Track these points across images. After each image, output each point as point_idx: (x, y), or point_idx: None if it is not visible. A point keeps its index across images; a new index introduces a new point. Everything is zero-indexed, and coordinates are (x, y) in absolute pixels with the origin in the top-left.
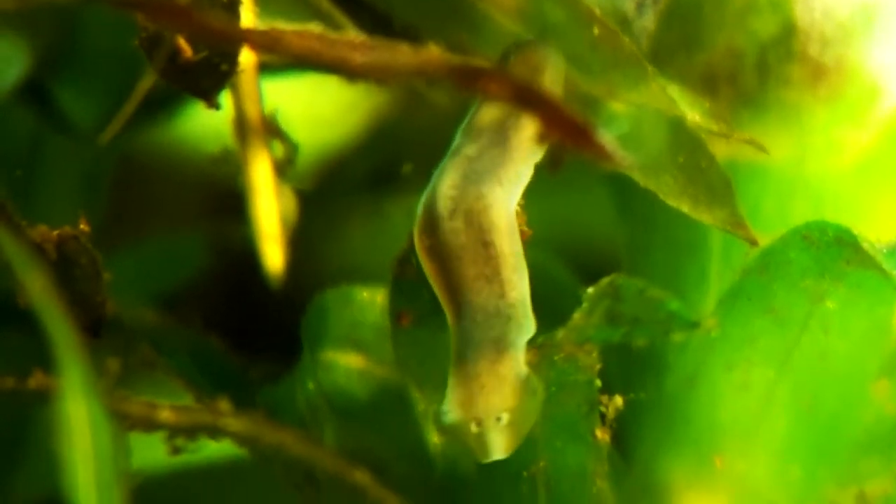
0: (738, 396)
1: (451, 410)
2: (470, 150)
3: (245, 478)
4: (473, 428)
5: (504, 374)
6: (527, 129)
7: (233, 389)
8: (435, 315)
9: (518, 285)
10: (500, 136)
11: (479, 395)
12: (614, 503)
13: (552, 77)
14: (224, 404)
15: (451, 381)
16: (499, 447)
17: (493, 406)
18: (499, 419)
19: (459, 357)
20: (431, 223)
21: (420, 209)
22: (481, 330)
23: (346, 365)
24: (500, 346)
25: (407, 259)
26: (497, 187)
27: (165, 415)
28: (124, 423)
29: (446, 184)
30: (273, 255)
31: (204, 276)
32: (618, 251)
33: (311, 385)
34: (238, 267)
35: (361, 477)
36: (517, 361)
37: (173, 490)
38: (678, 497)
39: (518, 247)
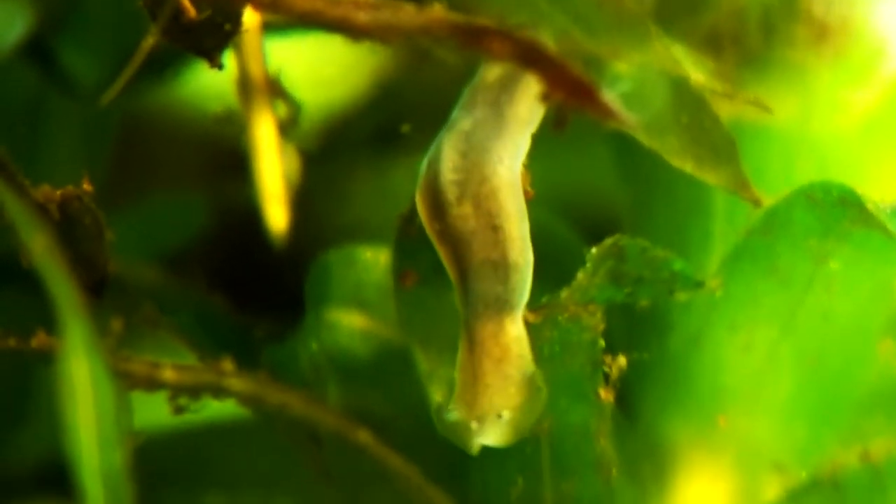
0: (741, 356)
1: (456, 409)
2: (466, 123)
3: (248, 437)
4: (473, 425)
5: (509, 374)
6: (524, 98)
7: (236, 349)
8: (438, 275)
9: (523, 269)
10: (497, 110)
11: (484, 395)
12: (617, 462)
13: (532, 84)
14: (227, 364)
15: (458, 379)
16: (494, 441)
17: (495, 406)
18: (499, 416)
19: (465, 350)
20: (439, 209)
21: (423, 190)
22: (483, 322)
23: (350, 325)
24: (502, 340)
25: (410, 219)
26: (500, 166)
27: (168, 374)
28: (127, 382)
29: (448, 166)
30: (276, 215)
31: (207, 236)
32: (621, 211)
33: (314, 345)
34: (241, 227)
35: (364, 436)
36: (522, 357)
37: (176, 450)
38: (681, 456)
39: (525, 228)
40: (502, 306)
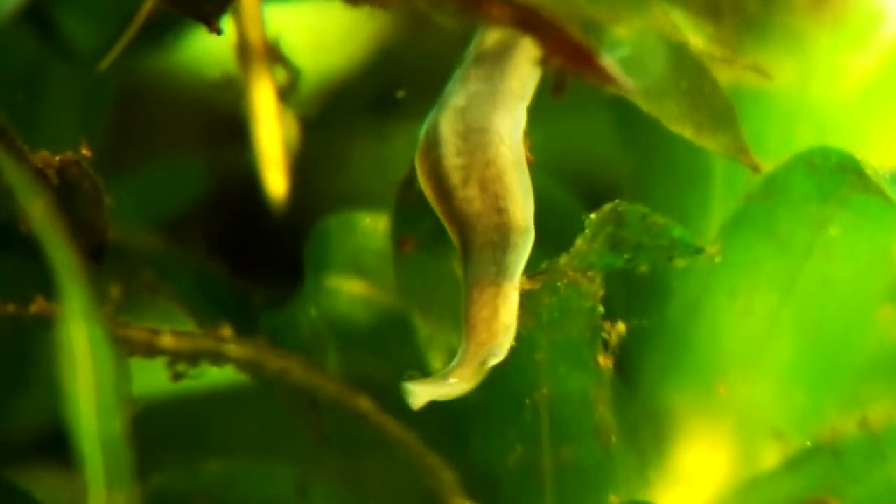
0: (741, 323)
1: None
2: (461, 100)
3: (247, 404)
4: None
5: (502, 345)
6: (516, 72)
7: (235, 315)
8: (437, 241)
9: (522, 248)
10: (490, 86)
11: (479, 372)
12: (617, 429)
13: (526, 53)
14: (226, 330)
15: (458, 358)
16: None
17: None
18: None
19: (464, 331)
20: (444, 193)
21: (427, 174)
22: (477, 307)
23: (349, 291)
24: (494, 304)
25: (409, 184)
26: (502, 146)
27: (167, 340)
28: (125, 348)
29: (450, 151)
30: (275, 181)
31: (206, 202)
32: (620, 177)
33: (313, 311)
34: (240, 193)
35: (363, 403)
36: (510, 331)
37: (174, 416)
38: (681, 423)
39: (529, 206)
40: (500, 278)
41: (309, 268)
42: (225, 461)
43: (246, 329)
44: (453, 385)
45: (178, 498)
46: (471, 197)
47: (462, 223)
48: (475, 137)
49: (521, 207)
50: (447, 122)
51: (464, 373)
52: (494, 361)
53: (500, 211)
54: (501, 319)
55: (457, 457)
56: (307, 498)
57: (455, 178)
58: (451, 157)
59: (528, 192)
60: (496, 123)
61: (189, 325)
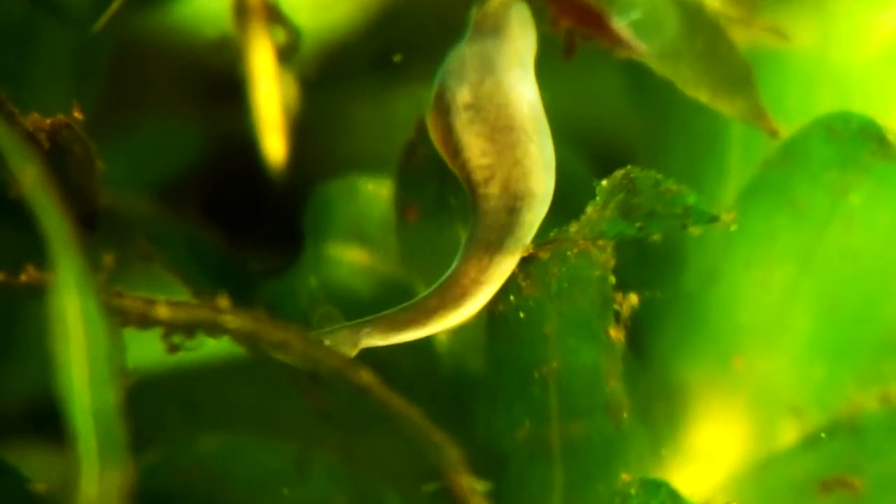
0: (758, 294)
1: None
2: (471, 57)
3: (245, 378)
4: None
5: (459, 316)
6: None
7: (232, 285)
8: (442, 209)
9: (534, 218)
10: (500, 43)
11: (407, 334)
12: (629, 404)
13: (519, 24)
14: (223, 300)
15: (402, 309)
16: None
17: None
18: None
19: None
20: (469, 188)
21: (442, 142)
22: (464, 268)
23: (351, 260)
24: (469, 293)
25: (414, 149)
26: (521, 106)
27: (162, 311)
28: (119, 319)
29: (474, 152)
30: (274, 145)
31: (202, 167)
32: (633, 143)
33: (313, 281)
34: (237, 157)
35: (366, 376)
36: (475, 307)
37: (169, 390)
38: (695, 398)
39: (550, 175)
40: (500, 247)
41: (308, 235)
42: (221, 436)
43: (243, 299)
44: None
45: (172, 474)
46: (490, 195)
47: (477, 218)
48: (489, 93)
49: (540, 172)
50: (459, 82)
51: (397, 326)
52: (433, 331)
53: (511, 211)
54: (479, 292)
55: (462, 433)
56: (306, 474)
57: (479, 176)
58: (477, 156)
59: (548, 156)
60: (510, 79)
61: (184, 295)
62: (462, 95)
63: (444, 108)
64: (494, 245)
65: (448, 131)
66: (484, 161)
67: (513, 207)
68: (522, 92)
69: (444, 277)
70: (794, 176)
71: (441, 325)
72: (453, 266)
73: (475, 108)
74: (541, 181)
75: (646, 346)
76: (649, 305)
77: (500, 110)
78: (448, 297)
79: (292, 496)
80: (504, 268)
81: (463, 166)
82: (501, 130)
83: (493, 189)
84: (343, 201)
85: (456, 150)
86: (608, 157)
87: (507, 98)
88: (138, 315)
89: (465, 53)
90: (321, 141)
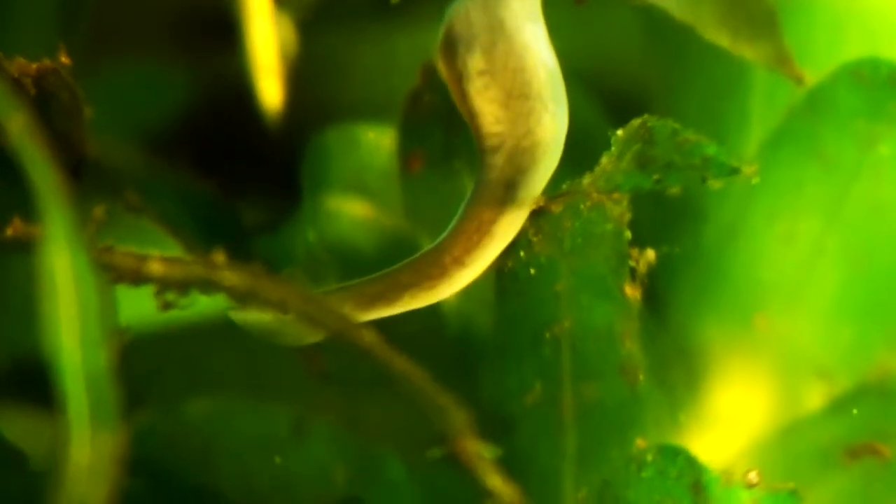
0: (782, 250)
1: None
2: (479, 62)
3: (239, 337)
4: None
5: (460, 282)
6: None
7: (225, 239)
8: (448, 158)
9: (545, 170)
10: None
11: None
12: (645, 366)
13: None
14: (219, 256)
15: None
16: None
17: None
18: None
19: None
20: (478, 153)
21: (449, 72)
22: (469, 227)
23: (351, 213)
24: (475, 254)
25: (419, 96)
26: (534, 48)
27: (156, 267)
28: (111, 275)
29: (488, 118)
30: (270, 91)
31: (192, 113)
32: (650, 91)
33: (311, 235)
34: (231, 104)
35: (367, 336)
36: (479, 269)
37: (159, 350)
38: (716, 360)
39: (562, 122)
40: (508, 201)
41: (306, 187)
42: (214, 399)
43: (236, 254)
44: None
45: (162, 438)
46: (494, 165)
47: (481, 156)
48: (503, 58)
49: (549, 144)
50: (469, 48)
51: (364, 302)
52: (402, 310)
53: (510, 186)
54: (459, 275)
55: (469, 396)
56: (304, 439)
57: (488, 144)
58: (479, 88)
59: (561, 124)
60: (523, 39)
61: (175, 250)
62: (475, 62)
63: (456, 75)
64: (486, 224)
65: (462, 97)
66: (496, 128)
67: (512, 182)
68: (538, 54)
69: (425, 249)
70: (820, 125)
71: (412, 304)
72: (440, 238)
73: (490, 73)
74: (548, 153)
75: (663, 304)
76: (667, 262)
77: (515, 76)
78: (424, 274)
79: (288, 463)
80: (490, 251)
81: (476, 131)
82: (517, 98)
83: (498, 160)
84: (343, 151)
85: (470, 114)
86: (624, 105)
87: (522, 62)
88: (130, 271)
89: (469, 12)
90: (319, 87)
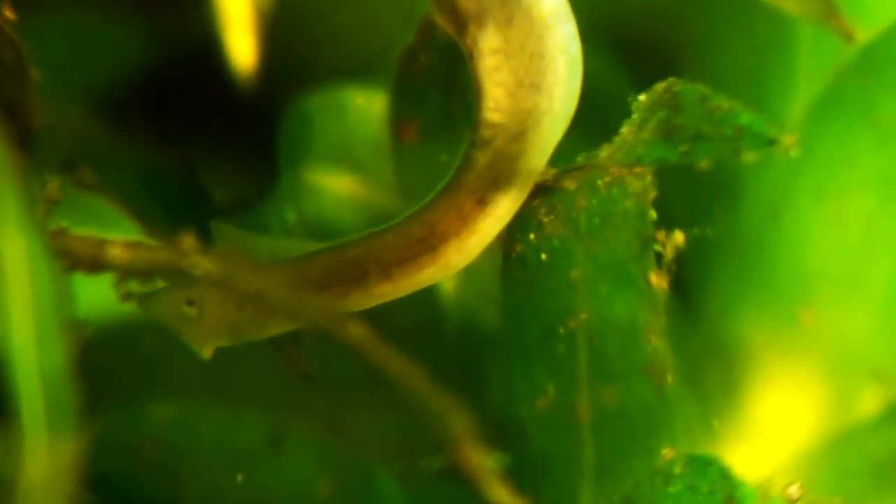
0: (831, 232)
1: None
2: (493, 39)
3: None
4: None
5: (429, 280)
6: None
7: (192, 219)
8: (447, 126)
9: (546, 142)
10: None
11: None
12: (673, 366)
13: None
14: (188, 239)
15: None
16: None
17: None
18: None
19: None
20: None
21: (447, 19)
22: (441, 212)
23: (335, 188)
24: (449, 249)
25: (413, 55)
26: (546, 118)
27: (116, 252)
28: (66, 262)
29: (489, 104)
30: (242, 48)
31: (153, 74)
32: (679, 49)
33: (291, 214)
34: (197, 63)
35: (357, 331)
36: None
37: (119, 346)
38: (756, 360)
39: (574, 84)
40: (494, 181)
41: (284, 159)
42: (178, 404)
43: (206, 237)
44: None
45: (119, 449)
46: (499, 57)
47: (471, 145)
48: (521, 38)
49: (552, 125)
50: (480, 22)
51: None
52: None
53: (525, 128)
54: (381, 289)
55: (471, 398)
56: (281, 449)
57: (485, 133)
58: (489, 68)
59: (570, 98)
60: (543, 11)
61: (134, 233)
62: (488, 39)
63: (467, 52)
64: (437, 236)
65: (471, 74)
66: (493, 117)
67: (494, 180)
68: (561, 35)
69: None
70: (873, 88)
71: (304, 312)
72: (376, 230)
73: (504, 53)
74: (543, 154)
75: (694, 295)
76: (698, 245)
77: (531, 62)
78: (342, 276)
79: (264, 477)
80: (425, 275)
81: (475, 113)
82: (527, 87)
83: (484, 157)
84: (326, 117)
85: (474, 92)
86: (649, 64)
87: (541, 46)
88: (88, 257)
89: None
90: (298, 43)
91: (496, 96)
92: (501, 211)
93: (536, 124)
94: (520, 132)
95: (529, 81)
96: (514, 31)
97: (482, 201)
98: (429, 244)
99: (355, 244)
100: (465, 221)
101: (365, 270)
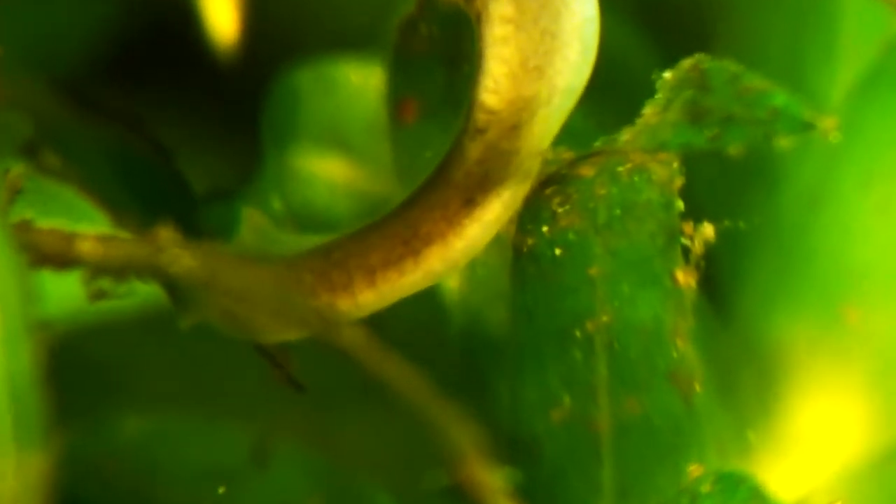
0: (877, 222)
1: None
2: (506, 6)
3: (185, 336)
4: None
5: (413, 286)
6: None
7: (167, 208)
8: (449, 104)
9: (548, 128)
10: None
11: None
12: (703, 373)
13: None
14: (166, 231)
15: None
16: None
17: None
18: None
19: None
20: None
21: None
22: (428, 212)
23: (326, 174)
24: (435, 253)
25: (414, 25)
26: (542, 111)
27: (87, 247)
28: (32, 257)
29: (488, 83)
30: (222, 17)
31: (124, 45)
32: (707, 21)
33: (276, 203)
34: (172, 32)
35: (352, 334)
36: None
37: (85, 351)
38: (795, 365)
39: (586, 62)
40: (485, 179)
41: (269, 142)
42: (153, 415)
43: (182, 229)
44: None
45: (88, 464)
46: (509, 28)
47: (462, 132)
48: (535, 10)
49: (546, 120)
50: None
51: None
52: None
53: (520, 121)
54: (451, 252)
55: (478, 409)
56: (266, 465)
57: (490, 70)
58: (496, 38)
59: (572, 92)
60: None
61: (106, 225)
62: (501, 5)
63: (475, 15)
64: (419, 239)
65: (476, 39)
66: (492, 101)
67: (485, 178)
68: (579, 13)
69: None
70: None
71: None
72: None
73: (515, 25)
74: (536, 155)
75: (725, 294)
76: (730, 239)
77: (542, 40)
78: (329, 283)
79: (247, 495)
80: (406, 282)
81: (471, 94)
82: (531, 70)
83: (476, 149)
84: (316, 95)
85: (475, 64)
86: (674, 38)
87: (556, 25)
88: (56, 253)
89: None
90: (286, 13)
91: (497, 75)
92: (491, 216)
93: (531, 117)
94: (515, 125)
95: (534, 64)
96: (529, 2)
97: (470, 202)
98: (411, 247)
99: (338, 245)
100: (450, 224)
101: (350, 276)
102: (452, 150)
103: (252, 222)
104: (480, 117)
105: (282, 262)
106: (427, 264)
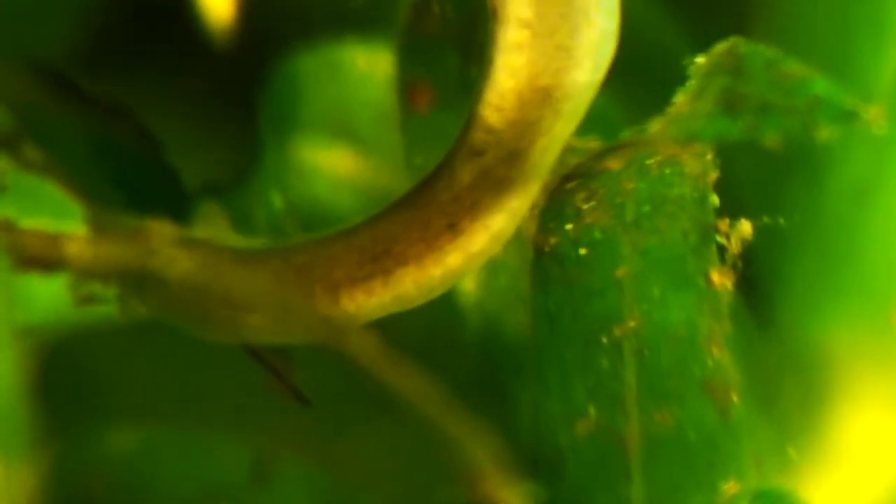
0: None
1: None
2: (525, 9)
3: (181, 344)
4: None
5: (410, 301)
6: None
7: (158, 205)
8: (464, 91)
9: (566, 123)
10: None
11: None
12: (741, 383)
13: None
14: (161, 227)
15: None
16: None
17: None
18: None
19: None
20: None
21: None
22: (418, 219)
23: (330, 167)
24: (426, 268)
25: (425, 5)
26: (563, 114)
27: (75, 249)
28: (15, 260)
29: (495, 91)
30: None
31: (111, 27)
32: (748, 2)
33: (276, 198)
34: (163, 14)
35: (361, 342)
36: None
37: (73, 360)
38: (842, 373)
39: (607, 48)
40: (501, 182)
41: (268, 132)
42: (145, 428)
43: (176, 227)
44: None
45: (74, 481)
46: (525, 33)
47: (464, 133)
48: (554, 20)
49: (578, 90)
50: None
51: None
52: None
53: (544, 92)
54: (426, 278)
55: (497, 422)
56: (267, 483)
57: (499, 79)
58: (511, 43)
59: (597, 66)
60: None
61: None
62: (518, 6)
63: (491, 8)
64: (391, 258)
65: (487, 40)
66: (494, 119)
67: (474, 205)
68: (597, 29)
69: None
70: None
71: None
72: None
73: (532, 30)
74: (530, 192)
75: (765, 296)
76: (769, 237)
77: (555, 56)
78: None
79: None
80: (374, 304)
81: (472, 109)
82: (538, 91)
83: (469, 173)
84: (320, 82)
85: (484, 65)
86: (709, 20)
87: (571, 41)
88: (41, 255)
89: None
90: None
91: (504, 89)
92: (476, 248)
93: (530, 146)
94: (513, 153)
95: (543, 83)
96: (548, 6)
97: (454, 228)
98: (381, 265)
99: (303, 248)
100: (429, 247)
101: (311, 288)
102: (442, 168)
103: (210, 217)
104: (479, 137)
105: (245, 256)
106: (399, 287)
